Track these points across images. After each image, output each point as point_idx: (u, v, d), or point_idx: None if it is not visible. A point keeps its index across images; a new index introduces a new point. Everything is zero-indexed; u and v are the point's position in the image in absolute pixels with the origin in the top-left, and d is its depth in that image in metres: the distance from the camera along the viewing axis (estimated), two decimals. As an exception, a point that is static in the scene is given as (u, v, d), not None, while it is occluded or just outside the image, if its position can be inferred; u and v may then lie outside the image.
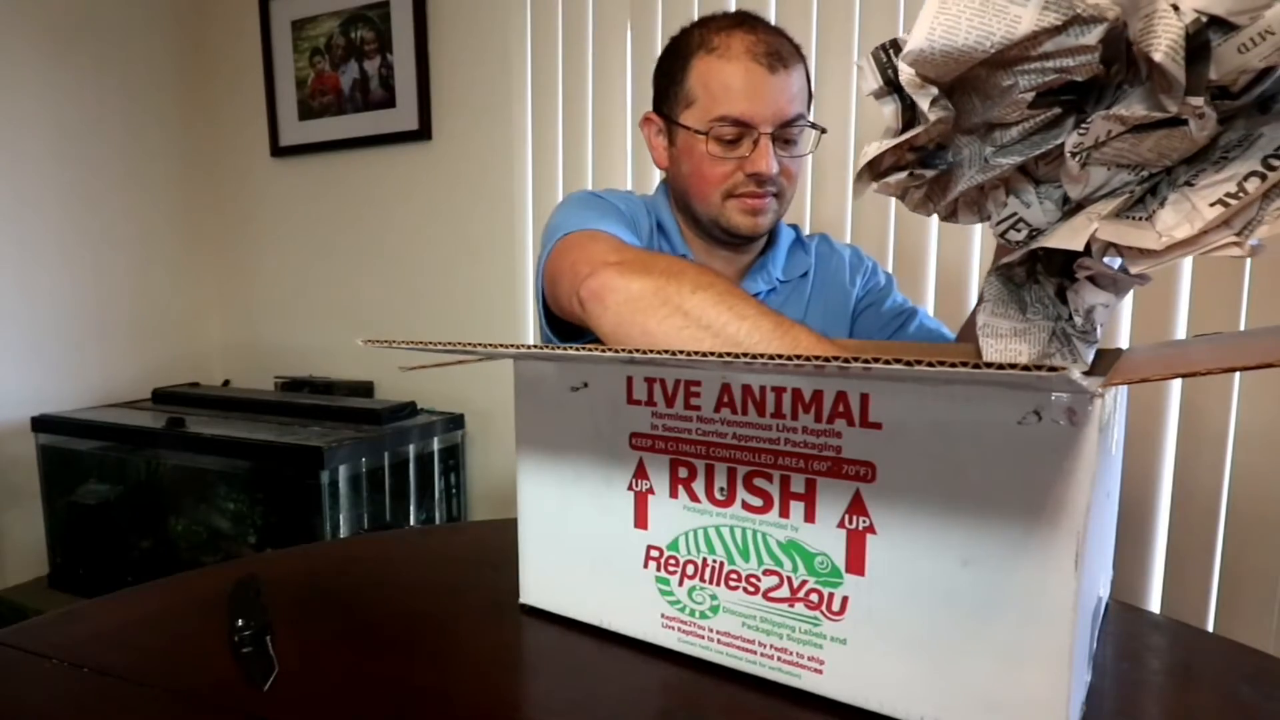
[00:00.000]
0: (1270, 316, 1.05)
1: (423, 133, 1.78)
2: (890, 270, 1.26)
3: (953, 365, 0.30)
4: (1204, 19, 0.35)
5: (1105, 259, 0.44)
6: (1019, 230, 0.47)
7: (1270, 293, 1.05)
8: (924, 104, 0.43)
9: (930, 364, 0.31)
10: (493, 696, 0.46)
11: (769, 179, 0.84)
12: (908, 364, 0.31)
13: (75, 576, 1.78)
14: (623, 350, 0.41)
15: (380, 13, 1.79)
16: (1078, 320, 0.48)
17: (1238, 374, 1.08)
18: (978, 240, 1.25)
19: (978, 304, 0.52)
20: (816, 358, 0.35)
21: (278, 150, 2.00)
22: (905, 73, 0.43)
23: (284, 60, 1.95)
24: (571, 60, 1.58)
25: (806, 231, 1.09)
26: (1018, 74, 0.41)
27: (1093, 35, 0.38)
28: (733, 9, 1.39)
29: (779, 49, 0.82)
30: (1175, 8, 0.35)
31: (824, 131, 0.89)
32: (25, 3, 1.73)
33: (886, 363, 0.31)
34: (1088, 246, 0.42)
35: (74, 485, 1.76)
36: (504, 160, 1.69)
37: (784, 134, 0.84)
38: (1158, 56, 0.35)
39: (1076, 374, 0.29)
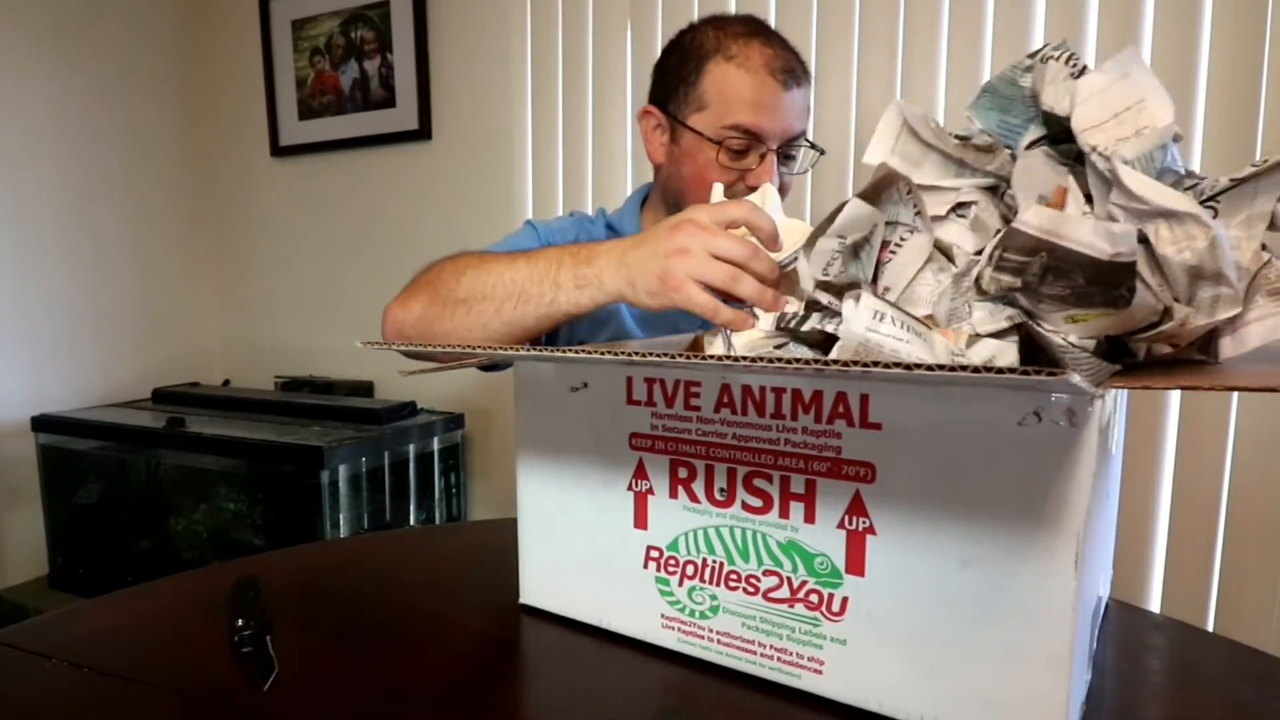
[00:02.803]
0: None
1: (423, 133, 1.78)
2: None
3: (952, 367, 0.30)
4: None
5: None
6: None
7: (1270, 293, 1.05)
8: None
9: (930, 365, 0.31)
10: (493, 696, 0.46)
11: None
12: (907, 366, 0.31)
13: (75, 576, 1.78)
14: (622, 351, 0.41)
15: (380, 12, 1.79)
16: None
17: (1238, 374, 1.08)
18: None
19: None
20: (816, 360, 0.35)
21: (278, 150, 2.00)
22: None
23: (284, 60, 1.94)
24: (571, 60, 1.58)
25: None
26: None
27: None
28: (732, 9, 1.39)
29: (793, 66, 0.84)
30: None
31: (823, 153, 0.91)
32: (24, 2, 1.73)
33: (886, 364, 0.31)
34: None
35: (74, 485, 1.76)
36: (504, 160, 1.69)
37: (787, 150, 0.86)
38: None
39: (1077, 376, 0.29)
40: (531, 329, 0.66)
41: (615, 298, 0.60)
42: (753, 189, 0.84)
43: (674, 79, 0.88)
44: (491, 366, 0.89)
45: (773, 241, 0.55)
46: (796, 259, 0.55)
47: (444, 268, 0.73)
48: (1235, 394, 1.08)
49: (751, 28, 0.85)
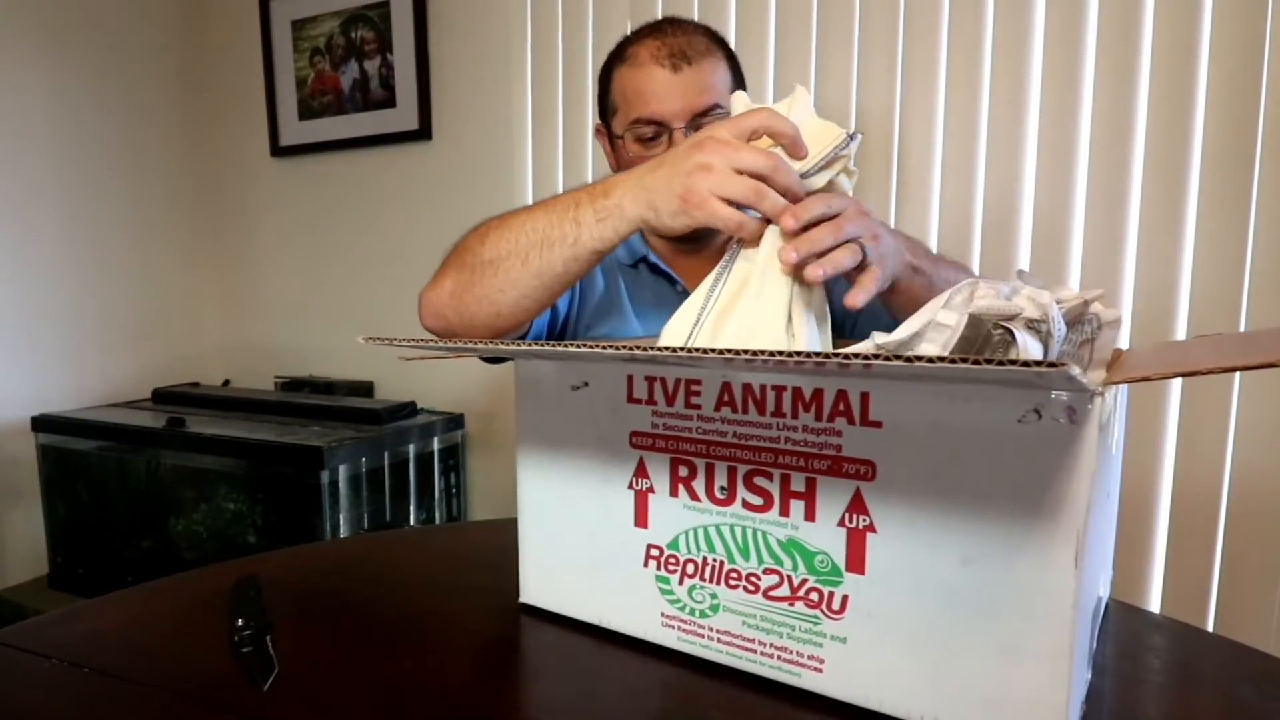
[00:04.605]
0: (1270, 316, 1.05)
1: (423, 133, 1.78)
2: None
3: (952, 363, 0.30)
4: None
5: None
6: None
7: (1270, 293, 1.05)
8: None
9: (930, 362, 0.31)
10: (493, 696, 0.46)
11: None
12: (908, 359, 0.31)
13: (75, 576, 1.78)
14: (623, 348, 0.41)
15: (380, 13, 1.79)
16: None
17: (1238, 374, 1.08)
18: (977, 226, 1.25)
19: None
20: (816, 355, 0.35)
21: (278, 150, 2.00)
22: None
23: (284, 60, 1.94)
24: (571, 60, 1.58)
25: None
26: None
27: None
28: (731, 11, 1.39)
29: (684, 48, 0.85)
30: None
31: None
32: (25, 2, 1.73)
33: (886, 357, 0.31)
34: None
35: (74, 485, 1.76)
36: (504, 160, 1.69)
37: (698, 125, 0.86)
38: None
39: (1076, 371, 0.29)
40: (561, 275, 0.65)
41: (638, 224, 0.59)
42: None
43: (599, 93, 0.95)
44: (497, 358, 0.90)
45: (795, 147, 0.54)
46: (822, 166, 0.54)
47: (469, 239, 0.73)
48: (1235, 393, 1.08)
49: (651, 27, 0.89)
